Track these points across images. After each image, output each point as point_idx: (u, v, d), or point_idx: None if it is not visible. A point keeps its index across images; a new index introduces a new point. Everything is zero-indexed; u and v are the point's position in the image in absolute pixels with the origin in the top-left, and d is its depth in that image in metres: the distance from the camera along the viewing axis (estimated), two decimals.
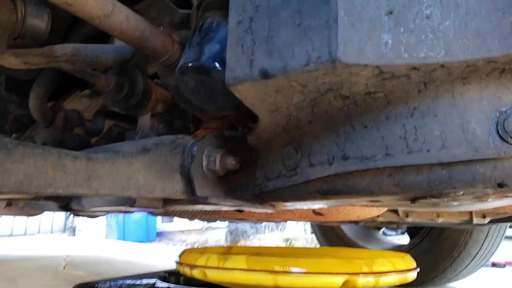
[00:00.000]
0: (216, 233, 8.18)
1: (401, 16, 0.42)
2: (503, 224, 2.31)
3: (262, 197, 0.69)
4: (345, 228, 2.94)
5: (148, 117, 1.31)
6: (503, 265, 4.45)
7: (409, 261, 0.86)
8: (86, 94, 1.70)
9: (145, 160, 0.61)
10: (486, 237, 2.41)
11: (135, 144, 0.62)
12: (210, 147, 0.72)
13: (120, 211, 1.23)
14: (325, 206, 0.93)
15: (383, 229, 3.24)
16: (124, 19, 0.62)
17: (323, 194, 0.57)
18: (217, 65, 0.60)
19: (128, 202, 0.74)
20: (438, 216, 1.58)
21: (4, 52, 0.57)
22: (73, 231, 8.17)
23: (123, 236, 7.43)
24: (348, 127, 0.52)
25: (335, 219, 1.04)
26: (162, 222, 9.50)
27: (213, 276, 0.80)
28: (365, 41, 0.42)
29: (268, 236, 7.95)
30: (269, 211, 0.75)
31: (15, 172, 0.37)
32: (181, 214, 1.33)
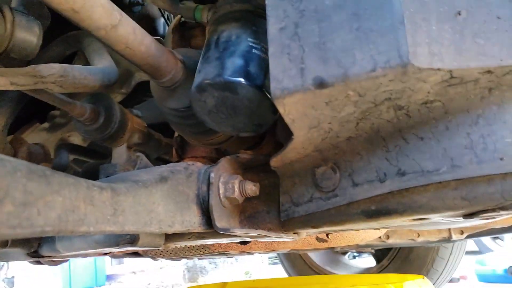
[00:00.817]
0: (172, 272, 7.77)
1: (471, 16, 0.40)
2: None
3: (288, 225, 0.62)
4: (312, 255, 2.91)
5: (124, 149, 1.21)
6: (457, 279, 4.66)
7: (428, 284, 0.83)
8: (45, 127, 1.55)
9: (164, 189, 0.52)
10: (451, 253, 2.51)
11: (151, 173, 0.53)
12: (226, 173, 0.65)
13: (100, 254, 1.09)
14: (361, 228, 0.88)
15: (348, 253, 3.25)
16: (131, 32, 0.55)
17: (370, 216, 0.52)
18: (242, 80, 0.54)
19: (128, 241, 0.64)
20: (419, 236, 1.59)
21: None
22: (11, 283, 7.33)
23: (69, 283, 6.82)
24: (399, 140, 0.49)
25: (338, 244, 0.99)
26: (112, 264, 8.92)
27: None
28: (436, 43, 0.39)
29: (228, 270, 7.73)
30: (292, 239, 0.68)
31: (54, 206, 0.28)
32: (163, 254, 1.21)
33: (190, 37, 1.14)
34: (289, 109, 0.47)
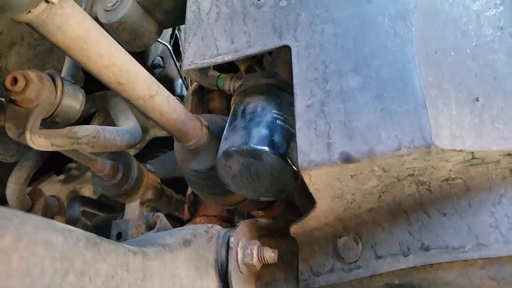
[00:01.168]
0: None
1: (488, 103, 0.43)
2: None
3: None
4: None
5: (137, 205, 1.22)
6: None
7: None
8: (60, 178, 1.58)
9: (187, 253, 0.53)
10: None
11: (175, 236, 0.54)
12: (244, 237, 0.65)
13: None
14: None
15: None
16: (165, 100, 0.59)
17: None
18: (267, 148, 0.57)
19: None
20: None
21: (36, 133, 0.50)
22: None
23: None
24: (421, 214, 0.50)
25: None
26: None
27: None
28: (457, 126, 0.42)
29: None
30: None
31: (101, 273, 0.29)
32: None
33: (209, 99, 1.20)
34: (315, 180, 0.49)
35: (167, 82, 1.67)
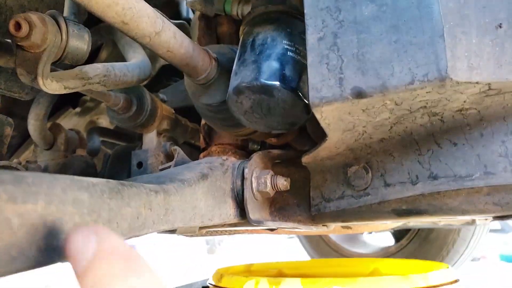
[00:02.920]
0: (191, 243, 7.99)
1: (511, 29, 0.41)
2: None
3: (318, 218, 0.66)
4: (331, 234, 2.91)
5: (154, 135, 1.25)
6: (478, 259, 4.62)
7: (453, 274, 0.85)
8: (77, 111, 1.61)
9: (205, 186, 0.56)
10: (473, 234, 2.45)
11: (193, 171, 0.57)
12: (258, 168, 0.68)
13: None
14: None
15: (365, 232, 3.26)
16: (172, 36, 0.58)
17: (400, 215, 0.55)
18: (278, 83, 0.56)
19: (169, 231, 0.69)
20: (441, 220, 1.60)
21: (48, 77, 0.51)
22: None
23: None
24: (432, 144, 0.50)
25: (362, 231, 1.02)
26: None
27: None
28: (475, 57, 0.41)
29: (244, 243, 7.88)
30: (321, 230, 0.72)
31: (126, 217, 0.32)
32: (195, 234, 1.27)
33: (216, 24, 1.16)
34: (326, 115, 0.49)
35: (173, 6, 1.60)
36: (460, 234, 2.44)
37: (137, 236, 0.36)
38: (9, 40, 0.71)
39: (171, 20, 1.27)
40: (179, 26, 1.34)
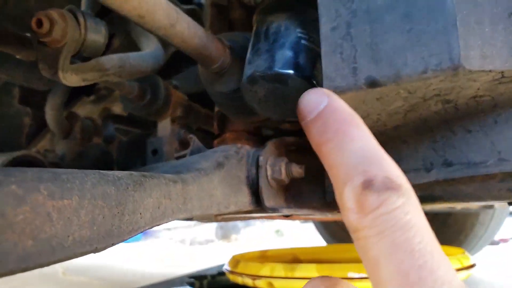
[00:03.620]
0: (204, 229, 8.11)
1: None
2: None
3: (333, 205, 0.67)
4: None
5: (168, 122, 1.27)
6: (497, 242, 4.57)
7: (469, 258, 0.86)
8: (91, 99, 1.64)
9: (221, 175, 0.58)
10: (492, 218, 2.41)
11: (209, 159, 0.58)
12: (272, 156, 0.69)
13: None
14: None
15: None
16: (186, 27, 0.59)
17: None
18: (292, 72, 0.57)
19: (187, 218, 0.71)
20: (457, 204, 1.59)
21: (68, 71, 0.52)
22: None
23: None
24: (446, 131, 0.51)
25: None
26: None
27: (281, 286, 0.78)
28: (488, 45, 0.41)
29: (259, 228, 7.96)
30: (336, 217, 0.73)
31: (148, 207, 0.33)
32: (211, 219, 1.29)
33: (229, 10, 1.16)
34: None
35: None
36: (478, 218, 2.42)
37: (158, 224, 0.38)
38: (28, 35, 0.73)
39: (183, 6, 1.27)
40: (190, 11, 1.34)
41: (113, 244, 0.28)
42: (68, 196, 0.23)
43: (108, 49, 1.29)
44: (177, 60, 1.63)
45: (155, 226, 0.37)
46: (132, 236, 0.31)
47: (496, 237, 3.59)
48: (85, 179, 0.25)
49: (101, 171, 0.28)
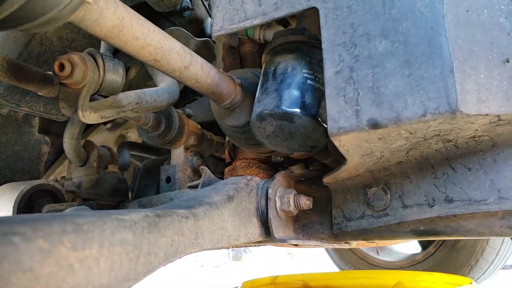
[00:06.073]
0: (216, 251, 8.02)
1: None
2: None
3: (340, 236, 0.68)
4: None
5: (182, 150, 1.31)
6: (509, 267, 4.43)
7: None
8: (108, 127, 1.69)
9: (231, 208, 0.60)
10: (503, 241, 2.36)
11: (220, 193, 0.61)
12: (281, 187, 0.71)
13: None
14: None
15: None
16: (199, 69, 0.62)
17: (418, 235, 0.57)
18: (299, 110, 0.60)
19: None
20: None
21: (87, 110, 0.56)
22: None
23: None
24: (447, 169, 0.52)
25: (385, 244, 1.03)
26: None
27: None
28: (484, 90, 0.43)
29: (270, 250, 7.85)
30: (343, 247, 0.74)
31: (162, 246, 0.36)
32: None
33: (240, 44, 1.20)
34: (344, 143, 0.52)
35: (197, 24, 1.66)
36: (489, 242, 2.36)
37: (171, 262, 0.40)
38: (50, 73, 0.78)
39: (196, 39, 1.32)
40: (203, 43, 1.39)
41: (129, 287, 0.30)
42: (88, 246, 0.26)
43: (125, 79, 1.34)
44: (190, 89, 1.68)
45: (168, 263, 0.39)
46: (147, 276, 0.33)
47: (508, 262, 3.49)
48: (104, 227, 0.27)
49: (118, 216, 0.30)
